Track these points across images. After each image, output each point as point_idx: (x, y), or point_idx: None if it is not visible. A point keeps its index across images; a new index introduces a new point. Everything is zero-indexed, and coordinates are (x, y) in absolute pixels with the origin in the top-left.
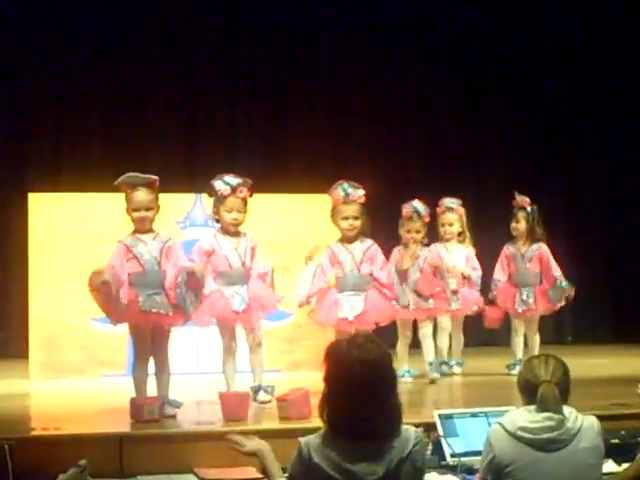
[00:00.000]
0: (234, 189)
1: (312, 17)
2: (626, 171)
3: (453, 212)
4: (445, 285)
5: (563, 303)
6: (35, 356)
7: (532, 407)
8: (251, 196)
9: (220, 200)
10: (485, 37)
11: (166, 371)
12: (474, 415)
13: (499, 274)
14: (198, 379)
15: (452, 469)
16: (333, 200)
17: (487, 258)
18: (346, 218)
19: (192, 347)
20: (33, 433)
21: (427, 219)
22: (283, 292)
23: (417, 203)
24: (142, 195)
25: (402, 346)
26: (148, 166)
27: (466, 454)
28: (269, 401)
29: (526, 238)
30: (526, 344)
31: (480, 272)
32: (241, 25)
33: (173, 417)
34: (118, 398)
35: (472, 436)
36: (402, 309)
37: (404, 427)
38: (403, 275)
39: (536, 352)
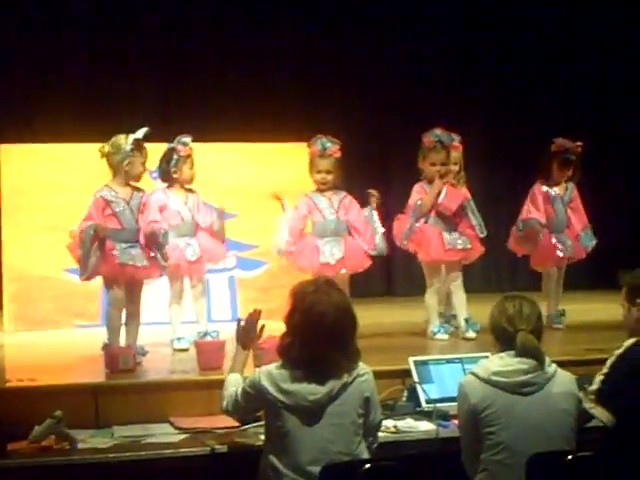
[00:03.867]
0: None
1: None
2: None
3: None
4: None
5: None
6: (9, 308)
7: (504, 354)
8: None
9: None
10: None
11: (136, 321)
12: (449, 361)
13: (536, 214)
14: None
15: (427, 415)
16: (310, 153)
17: None
18: (319, 172)
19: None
20: (8, 385)
21: (454, 149)
22: (256, 241)
23: (440, 132)
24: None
25: (432, 297)
26: (121, 115)
27: (441, 400)
28: None
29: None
30: None
31: None
32: None
33: (139, 364)
34: (92, 349)
35: (447, 382)
36: (434, 251)
37: None
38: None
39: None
